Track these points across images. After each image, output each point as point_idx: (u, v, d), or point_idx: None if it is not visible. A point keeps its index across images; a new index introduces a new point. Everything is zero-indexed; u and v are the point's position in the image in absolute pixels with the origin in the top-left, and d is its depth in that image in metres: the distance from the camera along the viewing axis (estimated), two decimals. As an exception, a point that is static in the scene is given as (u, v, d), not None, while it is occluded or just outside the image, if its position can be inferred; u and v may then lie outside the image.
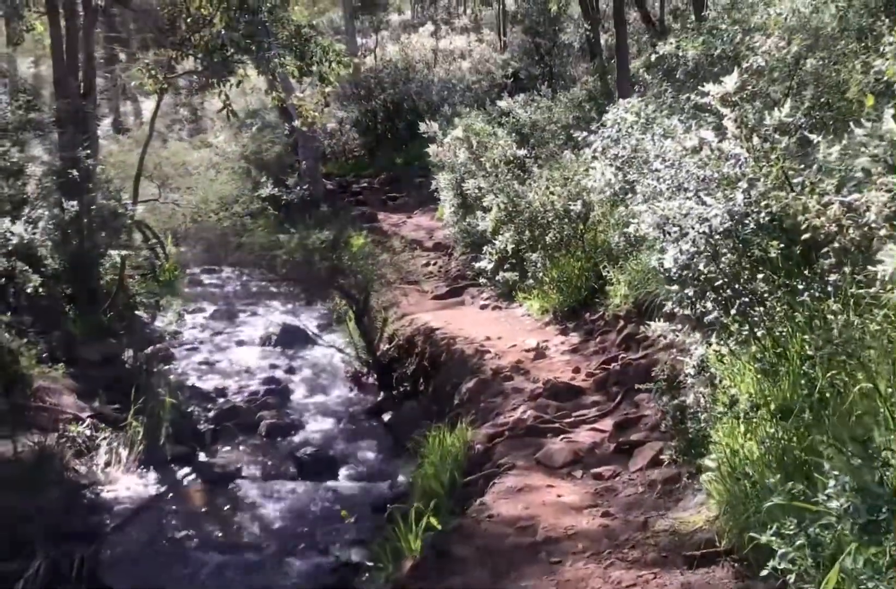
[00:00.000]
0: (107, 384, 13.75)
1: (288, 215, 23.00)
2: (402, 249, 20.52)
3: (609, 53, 23.04)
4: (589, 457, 8.52)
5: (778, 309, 6.16)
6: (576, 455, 8.47)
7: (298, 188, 24.69)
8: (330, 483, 11.66)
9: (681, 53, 8.01)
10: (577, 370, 11.48)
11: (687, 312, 6.51)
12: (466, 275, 17.13)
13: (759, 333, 6.25)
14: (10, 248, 14.41)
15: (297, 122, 18.66)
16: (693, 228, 5.92)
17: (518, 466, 8.56)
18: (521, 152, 16.13)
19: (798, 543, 3.63)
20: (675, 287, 6.53)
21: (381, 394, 14.71)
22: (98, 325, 15.38)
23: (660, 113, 7.20)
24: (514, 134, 16.68)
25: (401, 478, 11.50)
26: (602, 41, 23.21)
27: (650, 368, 10.29)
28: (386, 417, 13.57)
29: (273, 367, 16.42)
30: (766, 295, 6.19)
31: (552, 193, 14.10)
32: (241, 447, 12.95)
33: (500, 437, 9.64)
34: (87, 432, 12.29)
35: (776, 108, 6.17)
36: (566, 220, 13.95)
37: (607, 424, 9.34)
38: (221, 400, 14.66)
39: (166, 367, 16.32)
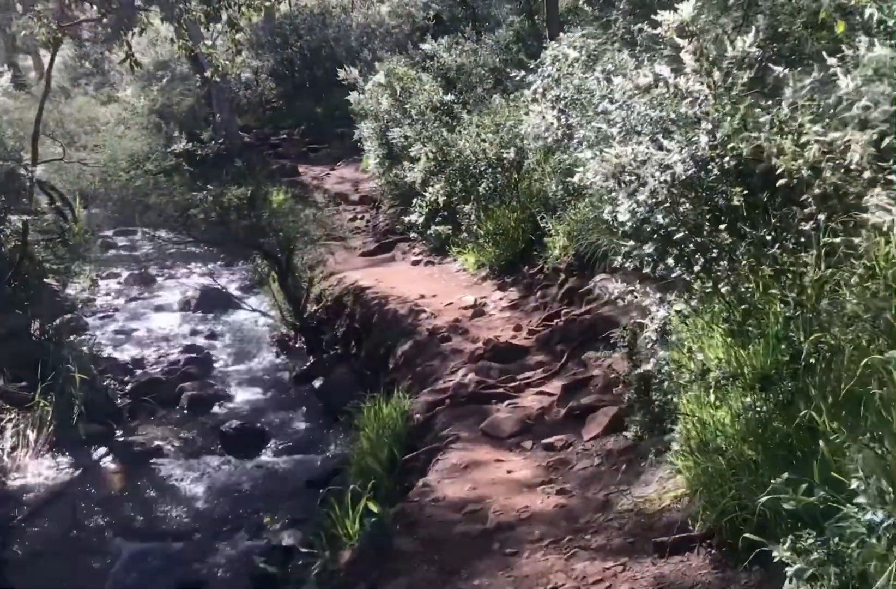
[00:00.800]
0: (11, 360, 12.86)
1: (203, 171, 21.96)
2: (326, 204, 19.73)
3: (535, -8, 22.24)
4: (538, 425, 7.96)
5: (744, 263, 5.59)
6: (524, 424, 7.90)
7: (213, 142, 23.65)
8: (259, 459, 11.02)
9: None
10: (518, 328, 10.90)
11: (646, 270, 5.89)
12: (396, 229, 16.40)
13: (723, 290, 5.68)
14: None
15: (208, 73, 17.61)
16: (653, 177, 5.29)
17: (462, 438, 7.98)
18: (449, 98, 15.37)
19: (815, 557, 3.07)
20: (632, 242, 5.92)
21: (311, 358, 14.01)
22: (1, 296, 14.43)
23: (609, 47, 6.53)
24: (439, 79, 15.88)
25: (335, 450, 10.92)
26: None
27: (595, 323, 9.79)
28: (316, 383, 12.90)
29: (194, 333, 15.62)
30: (730, 248, 5.61)
31: (483, 141, 13.40)
32: (161, 423, 12.22)
33: (440, 405, 9.05)
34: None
35: (738, 38, 5.54)
36: (499, 168, 13.29)
37: (555, 386, 8.79)
38: (139, 372, 13.87)
39: (79, 338, 15.42)
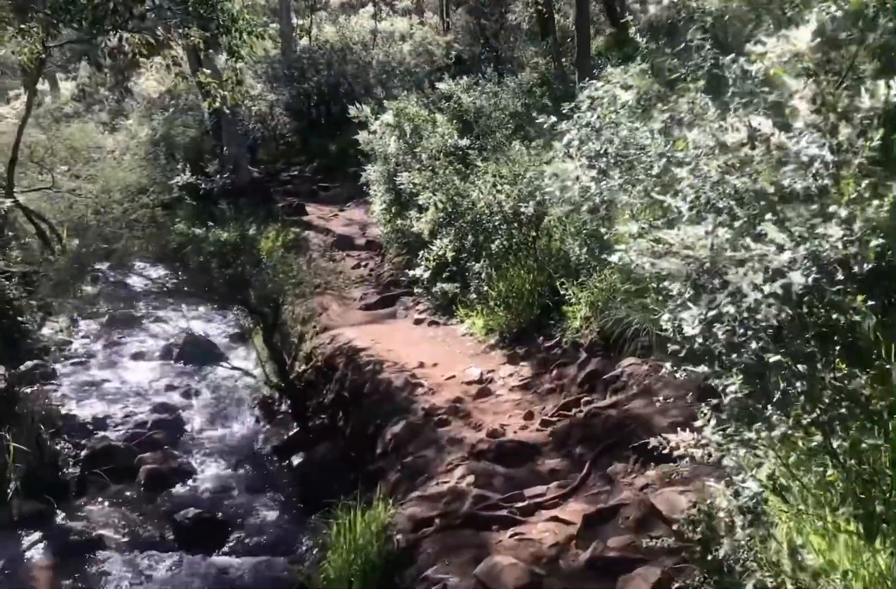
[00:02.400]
0: None
1: (206, 206, 20.13)
2: (329, 248, 17.82)
3: (562, 34, 20.47)
4: (552, 576, 5.89)
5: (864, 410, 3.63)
6: (532, 575, 5.84)
7: (218, 176, 21.84)
8: (215, 558, 9.00)
9: (695, 4, 5.42)
10: (529, 415, 8.93)
11: (733, 410, 3.90)
12: (400, 280, 14.46)
13: (837, 447, 3.70)
14: None
15: (204, 104, 15.85)
16: (754, 286, 3.31)
17: (451, 587, 5.94)
18: (464, 142, 13.47)
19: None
20: (704, 369, 3.94)
21: (295, 425, 12.03)
22: None
23: (684, 84, 4.68)
24: (455, 121, 13.98)
25: (306, 554, 8.88)
26: (554, 21, 20.58)
27: (623, 422, 7.82)
28: (296, 459, 10.92)
29: (170, 388, 13.65)
30: (849, 390, 3.64)
31: (499, 192, 11.48)
32: (111, 502, 10.24)
33: (428, 525, 7.03)
34: None
35: (881, 82, 3.60)
36: (515, 224, 11.36)
37: (573, 511, 6.76)
38: (99, 435, 11.89)
39: (43, 387, 13.51)
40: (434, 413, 9.47)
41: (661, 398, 7.41)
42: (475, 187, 11.69)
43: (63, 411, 12.58)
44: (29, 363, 13.95)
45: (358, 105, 16.09)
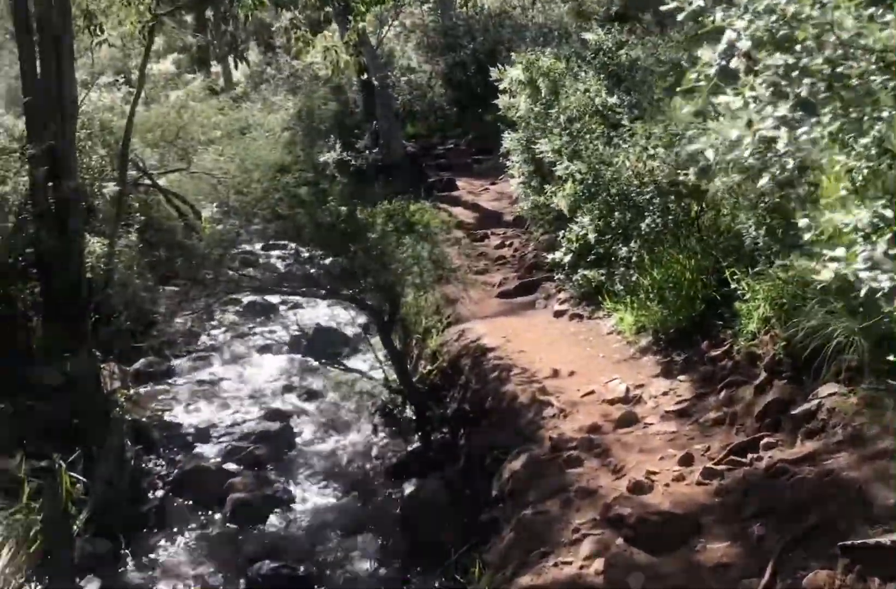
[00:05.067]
0: (51, 422, 8.99)
1: (358, 183, 17.84)
2: (475, 226, 15.21)
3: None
4: None
5: None
6: None
7: (368, 152, 19.52)
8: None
9: None
10: (688, 460, 6.10)
11: None
12: (543, 263, 11.67)
13: None
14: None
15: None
16: None
17: None
18: (613, 100, 10.51)
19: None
20: None
21: (415, 438, 9.58)
22: (75, 332, 10.53)
23: None
24: (602, 76, 10.99)
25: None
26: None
27: (823, 487, 4.94)
28: (408, 487, 8.38)
29: (287, 389, 11.40)
30: None
31: (651, 157, 8.58)
32: (186, 543, 8.01)
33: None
34: (-31, 517, 7.63)
35: None
36: (672, 196, 8.45)
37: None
38: (196, 449, 9.75)
39: (156, 387, 11.54)
40: (563, 446, 6.80)
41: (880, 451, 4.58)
42: (622, 152, 8.82)
43: (167, 418, 10.54)
44: (144, 360, 12.05)
45: (500, 66, 13.34)
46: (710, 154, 3.30)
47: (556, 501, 6.17)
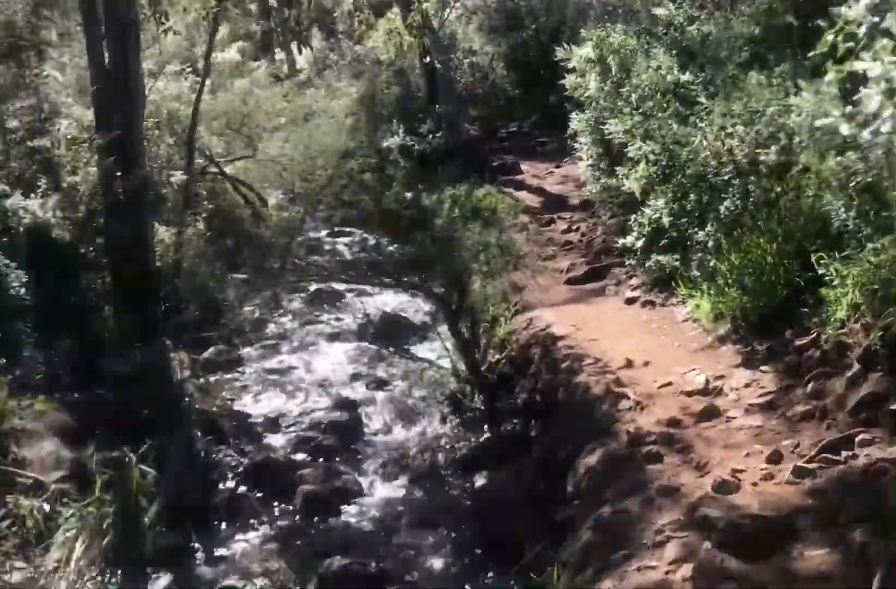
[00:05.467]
0: (122, 413, 8.89)
1: (422, 168, 17.49)
2: (540, 210, 14.82)
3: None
4: None
5: None
6: None
7: (431, 136, 19.16)
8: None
9: None
10: (776, 457, 5.71)
11: None
12: (613, 248, 11.26)
13: None
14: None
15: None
16: None
17: None
18: (686, 77, 10.02)
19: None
20: None
21: (485, 428, 9.29)
22: (146, 321, 10.42)
23: None
24: (674, 52, 10.48)
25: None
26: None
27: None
28: (479, 479, 8.11)
29: (356, 378, 11.14)
30: None
31: (730, 136, 8.13)
32: (257, 536, 7.78)
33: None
34: (46, 508, 7.54)
35: None
36: (752, 176, 8.00)
37: None
38: (266, 439, 9.57)
39: (225, 376, 11.39)
40: (642, 441, 6.44)
41: None
42: (698, 131, 8.37)
43: (236, 408, 10.38)
44: (214, 349, 11.91)
45: (566, 45, 12.89)
46: (844, 129, 2.84)
47: (635, 499, 5.83)
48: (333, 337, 12.66)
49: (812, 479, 5.32)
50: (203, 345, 11.90)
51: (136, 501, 7.61)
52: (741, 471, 5.64)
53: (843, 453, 5.38)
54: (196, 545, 7.62)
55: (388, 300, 13.55)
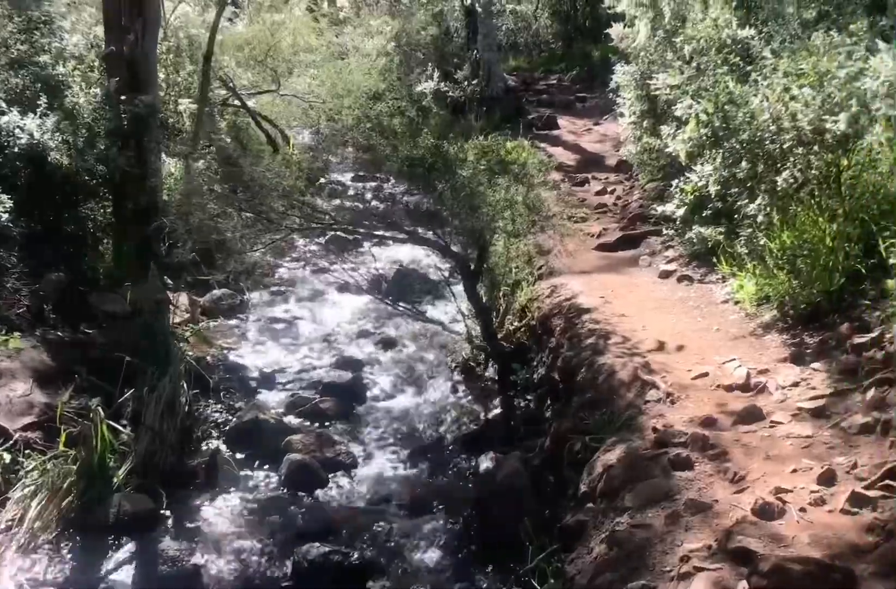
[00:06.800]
0: (109, 355, 8.01)
1: (455, 117, 16.36)
2: (576, 169, 13.74)
3: None
4: None
5: None
6: None
7: (467, 83, 17.99)
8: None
9: None
10: (829, 476, 4.75)
11: None
12: (650, 214, 10.20)
13: None
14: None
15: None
16: None
17: None
18: (745, 32, 8.86)
19: None
20: None
21: (497, 402, 8.38)
22: (145, 257, 9.45)
23: None
24: (733, 3, 9.29)
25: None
26: None
27: None
28: (484, 462, 7.12)
29: (363, 335, 10.26)
30: None
31: (794, 99, 7.02)
32: (233, 508, 6.93)
33: None
34: (7, 458, 6.80)
35: None
36: (815, 146, 6.91)
37: None
38: (259, 396, 8.72)
39: (226, 322, 10.52)
40: (670, 441, 5.50)
41: None
42: (758, 92, 7.27)
43: (232, 358, 9.50)
44: (216, 292, 11.01)
45: (614, -6, 11.67)
46: None
47: (658, 512, 4.92)
48: (344, 288, 11.65)
49: (872, 509, 4.37)
50: (207, 288, 11.02)
51: (103, 458, 6.81)
52: (786, 491, 4.70)
53: (918, 484, 4.43)
54: (166, 512, 6.79)
55: (405, 254, 12.57)
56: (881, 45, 6.79)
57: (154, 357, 7.89)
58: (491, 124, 15.51)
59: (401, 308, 10.11)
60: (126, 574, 6.14)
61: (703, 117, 7.80)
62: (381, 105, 13.75)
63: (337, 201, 12.82)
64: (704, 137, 7.85)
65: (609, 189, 12.19)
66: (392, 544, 6.36)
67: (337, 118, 13.48)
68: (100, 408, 6.75)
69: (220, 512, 6.85)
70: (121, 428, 7.08)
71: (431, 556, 6.24)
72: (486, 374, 8.92)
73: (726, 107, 7.64)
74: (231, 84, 14.35)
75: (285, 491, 7.15)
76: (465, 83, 17.96)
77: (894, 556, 3.97)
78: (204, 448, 7.67)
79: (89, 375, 7.94)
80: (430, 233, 8.36)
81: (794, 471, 4.92)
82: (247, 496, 7.06)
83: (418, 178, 8.43)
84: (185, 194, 9.15)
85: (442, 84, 17.79)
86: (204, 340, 9.69)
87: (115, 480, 6.82)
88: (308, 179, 13.92)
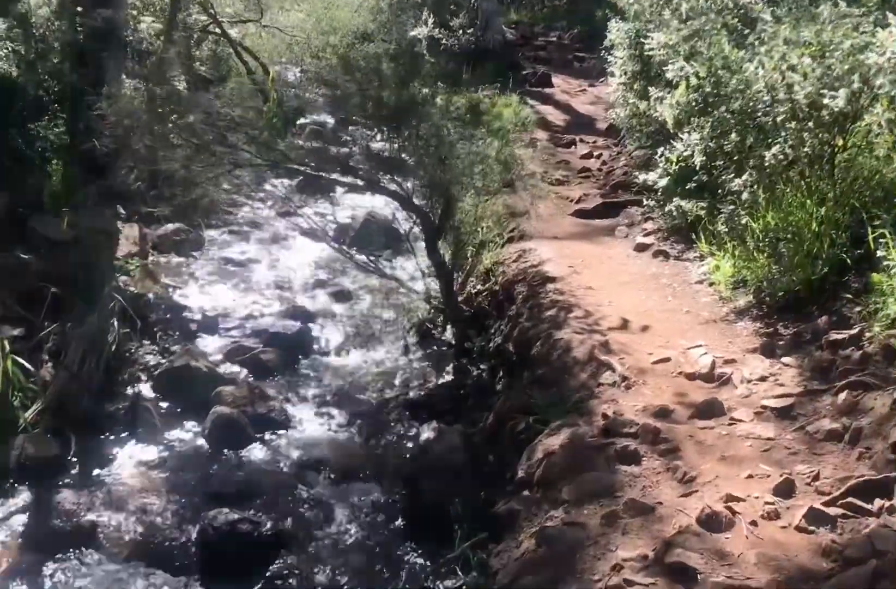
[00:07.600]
0: (43, 284, 7.41)
1: (447, 66, 15.55)
2: (563, 130, 13.06)
3: None
4: None
5: None
6: None
7: (462, 32, 17.12)
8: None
9: None
10: (787, 487, 4.25)
11: None
12: (633, 183, 9.55)
13: None
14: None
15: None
16: None
17: None
18: (750, -5, 8.17)
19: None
20: None
21: (449, 368, 7.83)
22: (99, 184, 8.70)
23: None
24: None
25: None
26: None
27: None
28: (426, 432, 6.52)
29: (319, 285, 9.63)
30: None
31: (792, 69, 6.37)
32: (147, 462, 6.36)
33: None
34: None
35: None
36: (811, 122, 6.30)
37: None
38: (198, 340, 8.12)
39: (176, 259, 9.89)
40: (618, 430, 4.99)
41: None
42: (755, 58, 6.62)
43: (175, 297, 8.87)
44: (170, 226, 10.30)
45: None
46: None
47: (596, 509, 4.41)
48: (309, 233, 10.93)
49: (831, 529, 3.88)
50: (161, 221, 10.35)
51: (6, 397, 6.25)
52: (738, 499, 4.19)
53: (878, 502, 3.92)
54: (74, 459, 6.24)
55: (380, 203, 11.89)
56: (891, 17, 6.17)
57: (88, 290, 7.31)
58: (484, 77, 14.76)
59: (363, 260, 9.50)
60: (13, 525, 5.59)
61: (694, 81, 7.17)
62: (369, 46, 12.93)
63: (318, 143, 12.22)
64: (694, 103, 7.23)
65: (595, 153, 11.51)
66: (311, 515, 5.83)
67: (321, 56, 12.69)
68: (5, 340, 6.17)
69: (131, 464, 6.29)
70: (27, 364, 6.48)
71: (353, 531, 5.72)
72: (443, 337, 8.37)
73: (720, 72, 7.01)
74: (212, 10, 13.54)
75: (207, 447, 6.58)
76: (461, 32, 17.09)
77: (848, 586, 3.47)
78: (128, 393, 7.09)
79: (19, 303, 7.39)
80: (392, 183, 7.71)
81: (750, 477, 4.41)
82: (164, 449, 6.51)
83: (378, 120, 7.75)
84: (118, 114, 8.38)
85: (436, 31, 16.92)
86: (149, 275, 9.08)
87: (20, 420, 6.27)
88: (286, 118, 13.21)
